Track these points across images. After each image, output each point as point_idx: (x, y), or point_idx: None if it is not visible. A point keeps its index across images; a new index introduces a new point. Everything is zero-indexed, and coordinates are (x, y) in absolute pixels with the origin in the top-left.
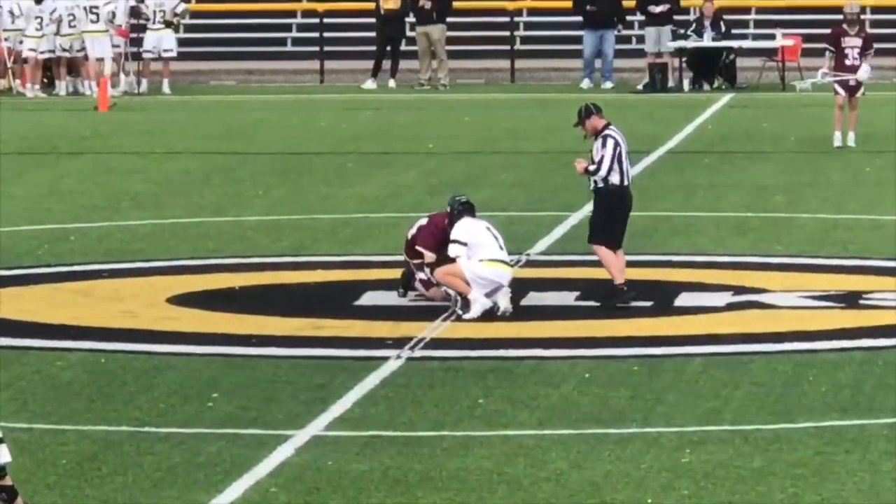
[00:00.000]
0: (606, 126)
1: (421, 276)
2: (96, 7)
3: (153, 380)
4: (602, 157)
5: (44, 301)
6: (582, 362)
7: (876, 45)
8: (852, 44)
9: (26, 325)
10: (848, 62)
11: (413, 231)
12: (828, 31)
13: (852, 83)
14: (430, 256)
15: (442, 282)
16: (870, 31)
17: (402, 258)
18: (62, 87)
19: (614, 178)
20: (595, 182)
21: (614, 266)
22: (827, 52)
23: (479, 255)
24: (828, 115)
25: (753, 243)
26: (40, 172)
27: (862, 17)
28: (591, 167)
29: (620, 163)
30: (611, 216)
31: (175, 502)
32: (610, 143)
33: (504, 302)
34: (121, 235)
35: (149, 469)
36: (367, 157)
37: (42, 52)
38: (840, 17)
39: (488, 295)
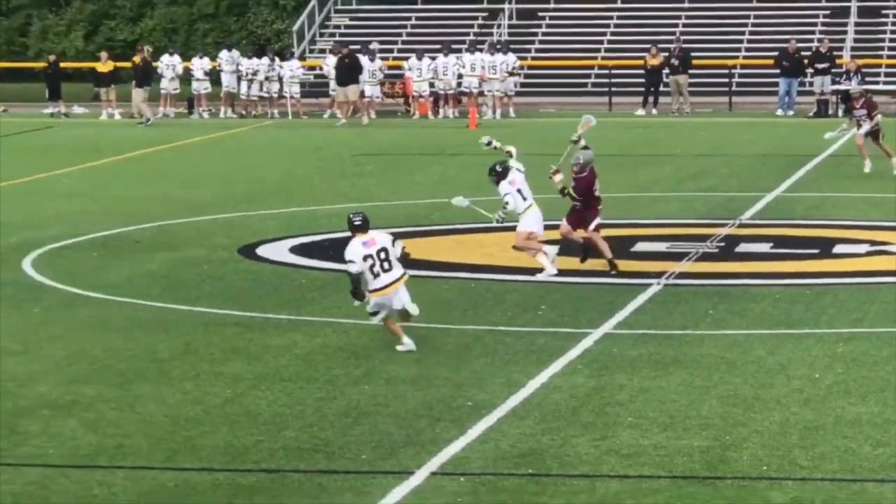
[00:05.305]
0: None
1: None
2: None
3: (503, 297)
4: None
5: (434, 247)
6: (774, 288)
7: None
8: None
9: (424, 262)
10: None
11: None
12: None
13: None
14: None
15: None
16: None
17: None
18: (441, 112)
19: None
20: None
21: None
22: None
23: None
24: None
25: (886, 213)
26: (433, 167)
27: None
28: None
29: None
30: None
31: (519, 375)
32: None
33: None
34: (494, 204)
35: (501, 353)
36: (637, 158)
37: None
38: None
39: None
